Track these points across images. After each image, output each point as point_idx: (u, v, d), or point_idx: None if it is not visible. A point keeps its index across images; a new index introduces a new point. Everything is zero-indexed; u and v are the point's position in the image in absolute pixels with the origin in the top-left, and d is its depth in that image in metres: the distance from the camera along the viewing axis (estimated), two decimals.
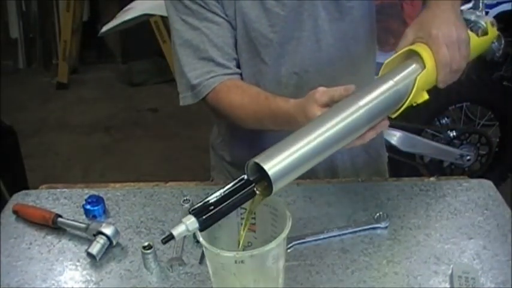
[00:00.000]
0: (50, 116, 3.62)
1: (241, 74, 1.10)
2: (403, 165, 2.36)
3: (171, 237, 0.68)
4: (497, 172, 2.59)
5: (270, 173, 0.69)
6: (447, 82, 0.91)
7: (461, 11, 0.99)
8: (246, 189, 0.71)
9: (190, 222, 0.68)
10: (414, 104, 0.89)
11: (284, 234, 0.71)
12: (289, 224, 0.73)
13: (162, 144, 3.22)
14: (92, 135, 3.40)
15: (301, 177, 1.13)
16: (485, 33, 1.02)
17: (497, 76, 3.06)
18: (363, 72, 1.17)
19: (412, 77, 0.86)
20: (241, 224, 0.81)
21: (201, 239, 0.72)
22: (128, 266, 0.92)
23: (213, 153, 1.32)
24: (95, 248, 0.92)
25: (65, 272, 0.91)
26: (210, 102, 1.07)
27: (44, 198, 1.09)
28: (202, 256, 0.91)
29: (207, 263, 0.77)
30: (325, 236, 0.96)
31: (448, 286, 0.85)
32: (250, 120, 1.03)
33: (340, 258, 0.92)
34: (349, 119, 0.78)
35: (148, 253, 0.89)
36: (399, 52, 0.91)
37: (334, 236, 0.96)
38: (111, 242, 0.94)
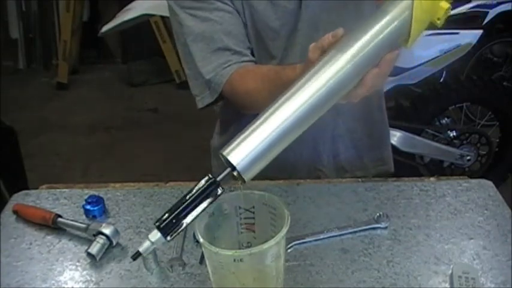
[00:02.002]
0: (50, 116, 3.62)
1: (255, 62, 1.07)
2: (403, 165, 2.36)
3: (138, 254, 0.71)
4: (497, 172, 2.59)
5: (238, 167, 0.68)
6: None
7: None
8: (210, 191, 0.69)
9: (152, 235, 0.69)
10: (439, 21, 0.76)
11: (283, 232, 0.71)
12: (288, 222, 0.73)
13: (162, 144, 3.22)
14: (92, 135, 3.41)
15: (303, 176, 1.15)
16: None
17: (497, 76, 3.06)
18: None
19: (406, 4, 0.74)
20: (241, 224, 0.81)
21: (200, 239, 0.72)
22: (128, 266, 0.92)
23: (214, 161, 1.30)
24: (94, 248, 0.92)
25: (65, 272, 0.91)
26: (227, 94, 1.03)
27: (44, 199, 1.09)
28: (202, 256, 0.91)
29: (207, 262, 0.77)
30: (325, 236, 0.96)
31: (448, 286, 0.85)
32: (267, 101, 0.98)
33: (340, 258, 0.92)
34: (330, 76, 0.69)
35: (149, 253, 0.89)
36: None
37: (334, 236, 0.96)
38: (111, 242, 0.94)
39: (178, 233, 0.70)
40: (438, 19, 0.76)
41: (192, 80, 1.07)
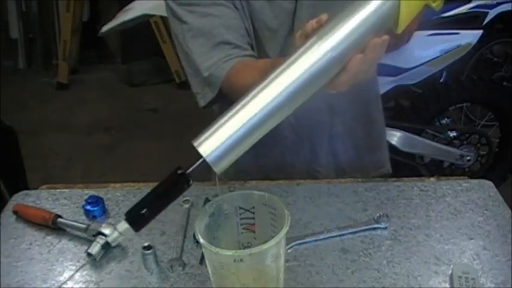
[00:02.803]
0: (50, 116, 3.62)
1: (256, 57, 1.04)
2: (403, 165, 2.36)
3: (108, 245, 0.74)
4: (497, 172, 2.59)
5: (207, 159, 0.66)
6: None
7: None
8: (181, 185, 0.68)
9: (121, 225, 0.71)
10: (434, 4, 0.70)
11: (283, 232, 0.71)
12: (288, 222, 0.73)
13: (162, 144, 3.22)
14: (92, 135, 3.41)
15: (302, 176, 1.15)
16: None
17: (497, 76, 3.06)
18: None
19: None
20: (241, 224, 0.81)
21: (200, 239, 0.72)
22: (128, 266, 0.92)
23: None
24: (94, 249, 0.92)
25: (65, 272, 0.91)
26: (226, 91, 1.01)
27: (44, 199, 1.09)
28: (202, 257, 0.91)
29: (207, 262, 0.77)
30: (325, 236, 0.96)
31: (448, 286, 0.85)
32: None
33: (340, 258, 0.92)
34: (308, 63, 0.65)
35: (149, 253, 0.89)
36: None
37: (334, 236, 0.96)
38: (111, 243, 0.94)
39: (145, 225, 0.69)
40: (434, 1, 0.70)
41: (193, 78, 1.06)
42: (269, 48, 1.08)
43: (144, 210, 0.68)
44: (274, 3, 1.04)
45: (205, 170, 0.70)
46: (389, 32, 0.69)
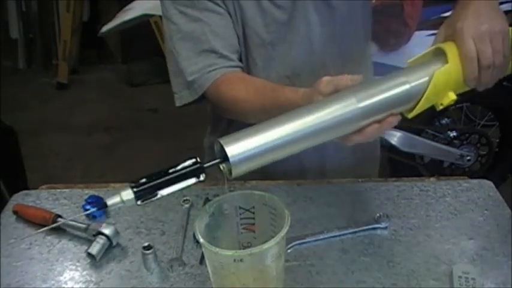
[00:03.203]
0: (50, 116, 3.62)
1: (242, 68, 1.06)
2: (403, 165, 2.36)
3: (105, 205, 0.66)
4: (497, 172, 2.59)
5: (231, 160, 0.68)
6: (481, 81, 0.82)
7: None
8: (193, 174, 0.68)
9: (126, 193, 0.66)
10: (441, 106, 0.82)
11: (283, 233, 0.71)
12: (288, 222, 0.73)
13: (162, 144, 3.22)
14: (92, 135, 3.40)
15: (301, 177, 1.15)
16: None
17: None
18: (358, 73, 1.17)
19: (428, 74, 0.79)
20: (241, 224, 0.81)
21: (200, 239, 0.72)
22: (128, 267, 0.92)
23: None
24: (94, 248, 0.92)
25: (65, 272, 0.91)
26: (211, 97, 1.02)
27: (44, 199, 1.09)
28: (202, 256, 0.91)
29: (207, 262, 0.77)
30: (325, 236, 0.96)
31: (448, 286, 0.85)
32: (257, 114, 0.96)
33: (340, 258, 0.92)
34: (339, 112, 0.73)
35: (149, 253, 0.89)
36: (424, 52, 0.84)
37: (334, 236, 0.96)
38: (111, 242, 0.94)
39: (149, 201, 0.68)
40: (441, 104, 0.82)
41: (175, 78, 1.07)
42: (256, 55, 1.07)
43: (151, 183, 0.67)
44: (266, 13, 1.04)
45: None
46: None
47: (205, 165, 0.69)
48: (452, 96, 0.81)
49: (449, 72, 0.80)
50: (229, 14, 1.04)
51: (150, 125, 3.53)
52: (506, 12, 2.45)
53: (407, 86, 0.78)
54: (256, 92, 0.97)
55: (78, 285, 0.88)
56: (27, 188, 1.13)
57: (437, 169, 2.49)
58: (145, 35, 3.55)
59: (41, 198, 1.09)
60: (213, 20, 1.01)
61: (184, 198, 1.05)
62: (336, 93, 0.76)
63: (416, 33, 2.07)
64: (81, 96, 3.91)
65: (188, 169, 0.68)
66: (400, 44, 2.11)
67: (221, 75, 1.00)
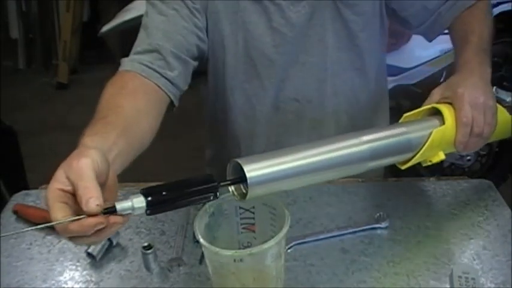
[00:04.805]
0: (50, 116, 3.61)
1: (176, 85, 1.00)
2: None
3: (113, 209, 0.63)
4: (497, 172, 2.59)
5: (249, 180, 0.67)
6: (468, 146, 0.88)
7: (496, 89, 0.98)
8: (208, 190, 0.66)
9: (137, 200, 0.63)
10: (429, 163, 0.88)
11: (283, 233, 0.71)
12: (288, 222, 0.73)
13: (162, 144, 3.20)
14: None
15: None
16: None
17: (497, 76, 3.06)
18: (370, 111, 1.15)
19: (428, 130, 0.84)
20: (241, 224, 0.81)
21: (200, 239, 0.72)
22: (128, 266, 0.92)
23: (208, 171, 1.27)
24: (95, 249, 0.92)
25: (65, 272, 0.91)
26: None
27: (43, 199, 1.09)
28: (202, 256, 0.91)
29: (207, 262, 0.77)
30: (325, 236, 0.96)
31: (448, 286, 0.85)
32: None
33: (340, 258, 0.92)
34: (348, 150, 0.76)
35: (149, 253, 0.89)
36: (421, 108, 0.90)
37: (334, 236, 0.96)
38: (111, 242, 0.94)
39: (157, 213, 0.66)
40: (430, 161, 0.88)
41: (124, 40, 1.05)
42: (265, 77, 1.05)
43: (166, 197, 0.64)
44: (276, 32, 1.02)
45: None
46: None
47: (221, 184, 0.68)
48: (441, 156, 0.88)
49: (445, 132, 0.86)
50: (207, 30, 1.01)
51: None
52: (507, 12, 2.46)
53: (409, 139, 0.83)
54: (104, 104, 0.96)
55: (78, 285, 0.88)
56: (27, 188, 1.13)
57: (437, 169, 2.49)
58: None
59: (41, 198, 1.09)
60: (176, 21, 0.97)
61: None
62: (344, 135, 0.79)
63: None
64: (81, 96, 3.90)
65: (203, 186, 0.67)
66: (400, 44, 2.11)
67: (126, 71, 0.96)
